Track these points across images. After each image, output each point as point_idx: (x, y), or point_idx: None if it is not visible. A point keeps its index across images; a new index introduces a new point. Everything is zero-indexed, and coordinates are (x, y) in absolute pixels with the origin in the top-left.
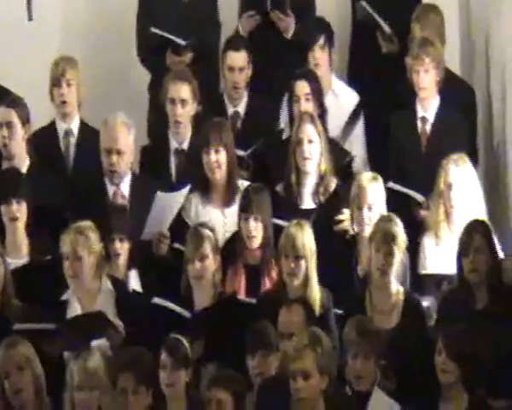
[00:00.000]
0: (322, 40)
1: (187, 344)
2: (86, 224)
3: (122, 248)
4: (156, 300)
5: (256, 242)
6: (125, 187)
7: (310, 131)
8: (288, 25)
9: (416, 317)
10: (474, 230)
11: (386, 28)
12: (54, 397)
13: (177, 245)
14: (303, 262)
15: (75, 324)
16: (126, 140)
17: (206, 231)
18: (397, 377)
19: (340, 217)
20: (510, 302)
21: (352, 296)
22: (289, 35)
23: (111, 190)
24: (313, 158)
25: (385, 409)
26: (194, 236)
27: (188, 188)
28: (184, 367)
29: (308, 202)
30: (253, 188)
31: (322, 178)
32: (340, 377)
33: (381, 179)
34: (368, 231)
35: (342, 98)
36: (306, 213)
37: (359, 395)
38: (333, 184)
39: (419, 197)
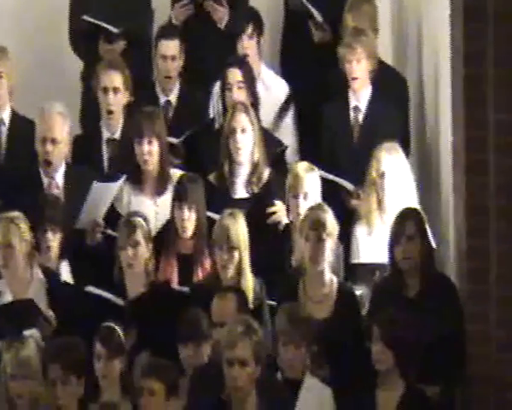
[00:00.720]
0: (250, 29)
1: (120, 333)
2: (16, 214)
3: (54, 238)
4: (89, 288)
5: (189, 231)
6: (60, 177)
7: (243, 121)
8: (222, 14)
9: (349, 306)
10: (407, 218)
11: (319, 17)
12: None
13: (110, 231)
14: (236, 253)
15: (6, 312)
16: (62, 130)
17: (139, 219)
18: (330, 365)
19: (272, 209)
20: (442, 290)
21: (285, 286)
22: (223, 25)
23: (46, 180)
24: (246, 147)
25: (317, 396)
26: (127, 224)
27: (122, 179)
28: (118, 356)
29: (241, 192)
30: (188, 177)
31: (255, 168)
32: (270, 365)
33: (317, 170)
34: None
35: (272, 88)
36: (239, 203)
37: (291, 382)
38: (266, 173)
39: (349, 186)
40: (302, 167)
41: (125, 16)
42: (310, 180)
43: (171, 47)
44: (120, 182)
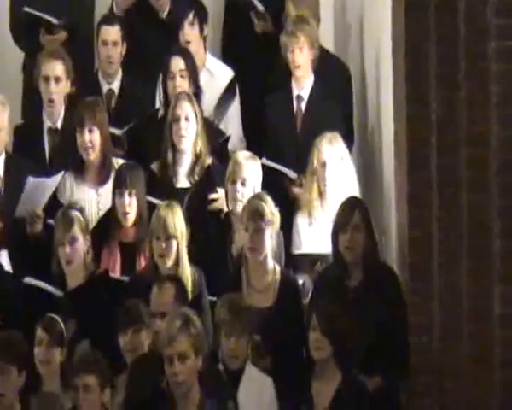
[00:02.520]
0: (191, 17)
1: (62, 324)
2: None
3: None
4: (28, 279)
5: (130, 218)
6: (0, 166)
7: (187, 109)
8: (164, 3)
9: (292, 295)
10: (353, 207)
11: (260, 6)
12: None
13: (51, 221)
14: (174, 243)
15: None
16: (1, 118)
17: (75, 213)
18: (271, 354)
19: (214, 196)
20: (384, 281)
21: (226, 276)
22: (164, 14)
23: None
24: (189, 136)
25: (258, 385)
26: (63, 219)
27: (61, 174)
28: (59, 345)
29: (183, 182)
30: (128, 165)
31: (197, 158)
32: (211, 355)
33: (258, 160)
34: (241, 208)
35: (217, 76)
36: (181, 193)
37: (232, 372)
38: (208, 162)
39: (291, 174)
40: (242, 155)
41: (65, 7)
42: (249, 167)
43: (111, 32)
44: (57, 178)
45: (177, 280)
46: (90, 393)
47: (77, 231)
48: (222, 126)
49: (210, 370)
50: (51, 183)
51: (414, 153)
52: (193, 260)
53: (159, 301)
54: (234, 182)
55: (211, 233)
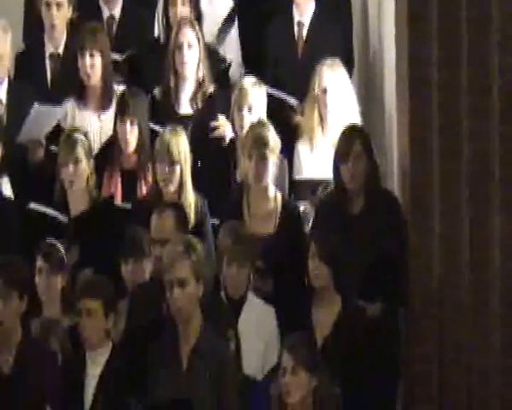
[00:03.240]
0: None
1: (62, 249)
2: None
3: None
4: (32, 205)
5: (132, 145)
6: (3, 93)
7: (189, 36)
8: None
9: (293, 222)
10: (354, 136)
11: None
12: None
13: (53, 148)
14: (177, 168)
15: None
16: (3, 44)
17: (79, 136)
18: (273, 281)
19: (216, 123)
20: (386, 208)
21: (229, 203)
22: None
23: None
24: (192, 62)
25: (259, 313)
26: (67, 140)
27: (66, 105)
28: (60, 272)
29: (186, 108)
30: (130, 91)
31: (200, 85)
32: (214, 283)
33: (263, 86)
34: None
35: (215, 2)
36: (184, 119)
37: (234, 300)
38: (210, 90)
39: (292, 101)
40: (248, 81)
41: None
42: (255, 94)
43: None
44: (63, 108)
45: (177, 207)
46: (93, 318)
47: (80, 152)
48: (221, 52)
49: (211, 298)
50: (56, 112)
51: (416, 78)
52: (196, 186)
53: (159, 228)
54: (240, 109)
55: (213, 160)
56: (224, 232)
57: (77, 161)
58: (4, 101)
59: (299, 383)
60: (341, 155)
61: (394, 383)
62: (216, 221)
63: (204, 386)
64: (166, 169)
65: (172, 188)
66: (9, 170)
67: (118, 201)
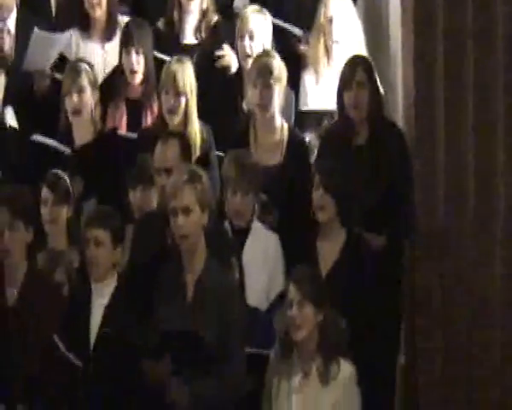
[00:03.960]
0: None
1: (68, 180)
2: None
3: None
4: (35, 137)
5: (137, 76)
6: (11, 23)
7: None
8: None
9: (299, 153)
10: (357, 64)
11: None
12: None
13: (58, 75)
14: (183, 99)
15: None
16: None
17: (84, 65)
18: (278, 212)
19: (220, 52)
20: (391, 138)
21: (235, 133)
22: None
23: None
24: None
25: (263, 242)
26: (72, 70)
27: (68, 33)
28: (65, 203)
29: (190, 38)
30: (135, 21)
31: (203, 15)
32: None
33: (267, 14)
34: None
35: None
36: (188, 49)
37: (238, 229)
38: (214, 20)
39: (298, 31)
40: (249, 9)
41: None
42: (256, 20)
43: None
44: (66, 36)
45: (182, 137)
46: (101, 248)
47: (85, 81)
48: None
49: (216, 227)
50: (60, 39)
51: (421, 8)
52: (202, 116)
53: (162, 157)
54: (242, 37)
55: (219, 90)
56: (229, 161)
57: (81, 91)
58: (13, 31)
59: (306, 317)
60: (345, 83)
61: (397, 315)
62: (222, 154)
63: (209, 317)
64: (172, 100)
65: (177, 118)
66: (14, 100)
67: (123, 131)
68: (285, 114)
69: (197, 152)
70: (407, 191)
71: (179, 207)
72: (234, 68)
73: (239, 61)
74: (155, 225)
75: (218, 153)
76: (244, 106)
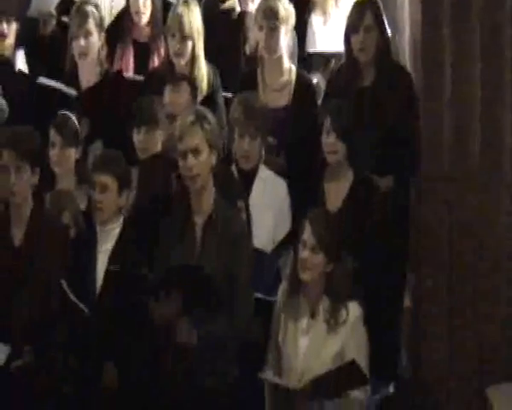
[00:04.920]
0: None
1: (76, 121)
2: None
3: (9, 28)
4: (41, 80)
5: (144, 17)
6: None
7: None
8: None
9: (307, 95)
10: (365, 7)
11: None
12: None
13: (65, 18)
14: (189, 42)
15: None
16: None
17: (90, 8)
18: (285, 154)
19: None
20: (398, 81)
21: (243, 75)
22: None
23: None
24: None
25: (270, 185)
26: (78, 12)
27: None
28: (73, 145)
29: None
30: None
31: None
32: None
33: None
34: (252, 7)
35: None
36: None
37: (245, 172)
38: None
39: None
40: None
41: None
42: None
43: None
44: None
45: (190, 80)
46: (106, 193)
47: (91, 24)
48: None
49: (223, 169)
50: None
51: None
52: (208, 58)
53: (173, 101)
54: None
55: (224, 32)
56: (237, 104)
57: (88, 34)
58: None
59: (317, 262)
60: (352, 26)
61: (404, 256)
62: (229, 94)
63: (217, 258)
64: (178, 43)
65: (184, 61)
66: (24, 43)
67: (130, 73)
68: (290, 55)
69: (204, 94)
70: (413, 134)
71: (188, 147)
72: (238, 10)
73: (240, 4)
74: (161, 169)
75: (224, 94)
76: (246, 49)
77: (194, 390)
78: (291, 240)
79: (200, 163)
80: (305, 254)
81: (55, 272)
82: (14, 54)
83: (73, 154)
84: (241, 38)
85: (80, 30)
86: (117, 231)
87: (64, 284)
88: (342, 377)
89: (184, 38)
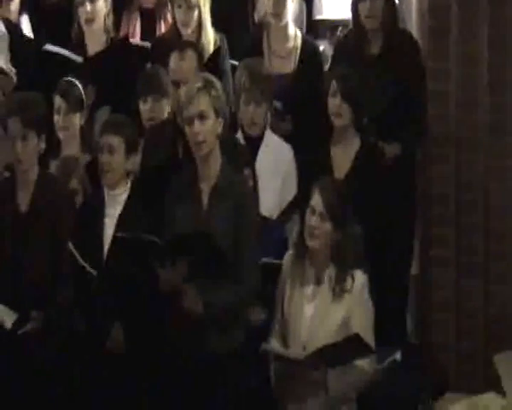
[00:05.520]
0: None
1: (81, 87)
2: None
3: None
4: (47, 47)
5: None
6: None
7: None
8: None
9: (313, 61)
10: None
11: None
12: None
13: None
14: (195, 12)
15: None
16: None
17: None
18: (291, 118)
19: None
20: (404, 47)
21: (248, 41)
22: None
23: None
24: None
25: (276, 151)
26: None
27: None
28: (78, 111)
29: None
30: None
31: None
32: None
33: None
34: None
35: None
36: None
37: (251, 139)
38: None
39: None
40: None
41: None
42: None
43: None
44: None
45: (196, 47)
46: (115, 154)
47: None
48: None
49: (229, 137)
50: None
51: None
52: (215, 25)
53: (179, 68)
54: None
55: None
56: (242, 70)
57: (94, 0)
58: None
59: (325, 230)
60: None
61: (412, 223)
62: (235, 62)
63: (224, 224)
64: (184, 13)
65: (191, 29)
66: (29, 8)
67: (137, 39)
68: (297, 22)
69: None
70: (420, 100)
71: (195, 113)
72: None
73: None
74: (166, 135)
75: (232, 62)
76: (255, 16)
77: (200, 355)
78: (297, 205)
79: (206, 129)
80: (313, 221)
81: (63, 236)
82: (19, 18)
83: (78, 120)
84: (250, 6)
85: None
86: (124, 196)
87: (71, 247)
88: (347, 347)
89: (190, 7)
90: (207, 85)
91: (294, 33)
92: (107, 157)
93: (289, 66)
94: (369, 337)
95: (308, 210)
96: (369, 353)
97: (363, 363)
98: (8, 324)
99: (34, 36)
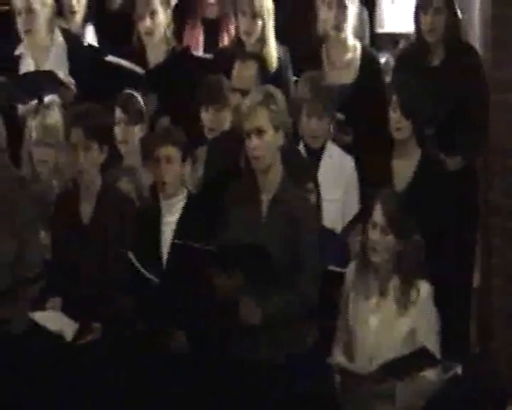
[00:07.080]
0: None
1: (141, 99)
2: None
3: (79, 3)
4: (109, 58)
5: None
6: None
7: None
8: None
9: (373, 71)
10: None
11: None
12: (12, 153)
13: None
14: (259, 22)
15: (26, 79)
16: None
17: None
18: (353, 130)
19: None
20: (466, 60)
21: (309, 53)
22: None
23: None
24: None
25: (338, 162)
26: None
27: None
28: (138, 123)
29: None
30: None
31: None
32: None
33: None
34: None
35: None
36: None
37: (313, 151)
38: None
39: None
40: None
41: None
42: None
43: None
44: None
45: (260, 58)
46: (172, 164)
47: (156, 3)
48: None
49: (292, 149)
50: None
51: None
52: (279, 38)
53: (240, 77)
54: None
55: (295, 12)
56: (304, 84)
57: (153, 13)
58: None
59: (387, 243)
60: (422, 8)
61: (473, 235)
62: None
63: (280, 236)
64: (248, 22)
65: (254, 40)
66: (94, 18)
67: (199, 51)
68: (359, 33)
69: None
70: (482, 113)
71: (252, 128)
72: None
73: None
74: (229, 146)
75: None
76: (318, 28)
77: (258, 362)
78: (361, 220)
79: (263, 144)
80: (375, 235)
81: (123, 246)
82: (83, 28)
83: (138, 131)
84: (312, 18)
85: (145, 9)
86: (181, 204)
87: (131, 256)
88: (414, 360)
89: (254, 16)
90: (268, 99)
91: (353, 44)
92: (164, 168)
93: (349, 76)
94: (435, 348)
95: (369, 224)
96: (435, 364)
97: (430, 373)
98: (69, 335)
99: (99, 44)
